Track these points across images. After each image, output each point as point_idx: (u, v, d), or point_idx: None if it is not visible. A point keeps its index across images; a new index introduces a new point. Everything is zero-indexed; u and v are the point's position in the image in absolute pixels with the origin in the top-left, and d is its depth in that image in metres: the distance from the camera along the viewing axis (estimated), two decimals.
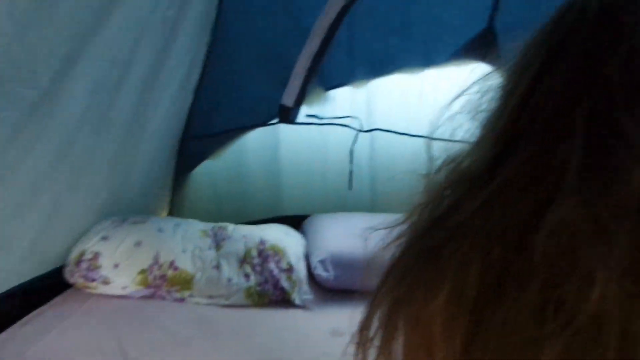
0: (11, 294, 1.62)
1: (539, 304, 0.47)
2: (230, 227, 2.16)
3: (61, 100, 1.36)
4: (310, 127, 2.19)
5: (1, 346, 1.49)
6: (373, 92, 2.16)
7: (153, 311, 1.77)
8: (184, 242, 1.98)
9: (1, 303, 1.58)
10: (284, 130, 2.23)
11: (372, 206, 2.33)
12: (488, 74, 0.68)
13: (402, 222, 0.69)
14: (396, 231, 0.69)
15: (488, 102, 0.65)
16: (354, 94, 2.15)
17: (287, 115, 1.92)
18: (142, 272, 1.83)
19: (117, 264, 1.81)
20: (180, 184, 2.31)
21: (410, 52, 1.93)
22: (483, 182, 0.56)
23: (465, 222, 0.55)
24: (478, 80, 0.68)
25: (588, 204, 0.46)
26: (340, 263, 1.98)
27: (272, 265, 1.96)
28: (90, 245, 1.83)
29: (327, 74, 1.94)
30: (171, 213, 2.34)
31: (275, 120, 2.12)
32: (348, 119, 2.17)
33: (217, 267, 1.94)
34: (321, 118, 2.17)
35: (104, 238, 1.86)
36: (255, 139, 2.26)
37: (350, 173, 2.21)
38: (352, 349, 0.63)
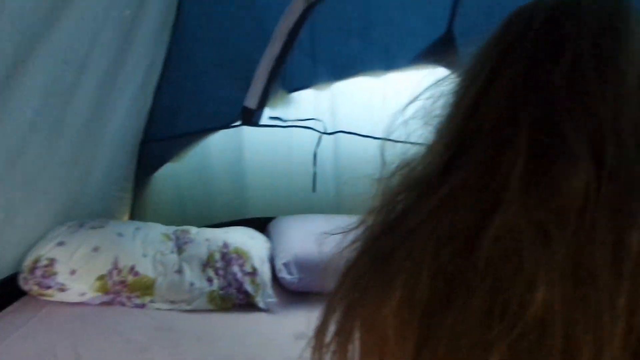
0: None
1: (486, 308, 0.47)
2: (194, 230, 2.13)
3: (10, 103, 1.31)
4: (274, 129, 2.18)
5: None
6: (336, 94, 2.16)
7: (112, 318, 1.73)
8: (144, 247, 1.94)
9: None
10: (247, 132, 2.21)
11: (337, 208, 2.33)
12: (440, 79, 0.68)
13: (357, 227, 0.69)
14: (352, 235, 0.69)
15: (441, 107, 0.66)
16: (318, 96, 2.15)
17: (250, 118, 1.91)
18: (101, 278, 1.79)
19: (73, 270, 1.76)
20: (142, 187, 2.27)
21: (371, 55, 1.94)
22: (434, 188, 0.57)
23: (416, 227, 0.55)
24: (431, 86, 0.69)
25: (530, 210, 0.47)
26: (305, 265, 1.97)
27: (235, 268, 1.94)
28: (46, 251, 1.77)
29: (289, 77, 1.93)
30: (133, 217, 2.29)
31: (238, 123, 2.10)
32: (312, 121, 2.17)
33: (179, 271, 1.91)
34: (285, 120, 2.16)
35: (60, 244, 1.81)
36: (219, 141, 2.23)
37: (314, 175, 2.21)
38: (309, 352, 0.63)
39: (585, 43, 0.50)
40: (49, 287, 1.74)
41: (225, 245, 2.01)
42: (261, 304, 1.89)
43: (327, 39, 1.90)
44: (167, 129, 2.08)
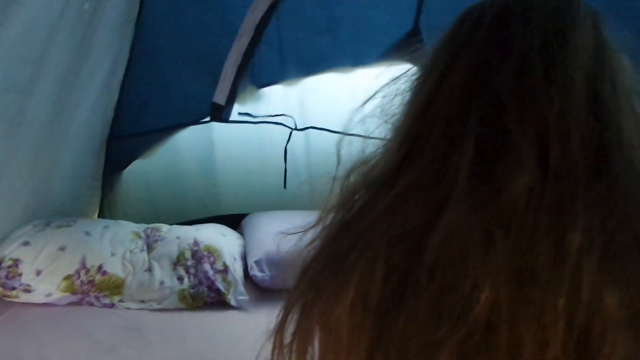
0: None
1: (435, 308, 0.47)
2: (165, 227, 2.11)
3: None
4: (244, 125, 2.16)
5: None
6: (306, 90, 2.15)
7: (79, 318, 1.70)
8: (113, 245, 1.91)
9: None
10: (217, 128, 2.19)
11: (311, 203, 2.32)
12: (396, 77, 0.67)
13: (315, 225, 0.68)
14: (310, 233, 0.68)
15: (397, 105, 0.65)
16: (287, 92, 2.14)
17: (220, 114, 1.89)
18: (68, 278, 1.76)
19: (39, 271, 1.73)
20: (111, 185, 2.23)
21: (339, 51, 1.94)
22: (388, 186, 0.56)
23: (370, 226, 0.54)
24: (387, 83, 0.68)
25: (476, 210, 0.47)
26: (276, 263, 1.96)
27: (206, 266, 1.92)
28: (9, 251, 1.73)
29: (258, 73, 1.92)
30: (103, 215, 2.26)
31: (207, 119, 2.07)
32: (282, 117, 2.16)
33: (149, 270, 1.89)
34: (255, 116, 2.14)
35: (25, 243, 1.77)
36: (189, 138, 2.21)
37: (285, 171, 2.20)
38: (266, 351, 0.62)
39: (533, 42, 0.50)
40: (13, 288, 1.70)
41: (196, 242, 1.99)
42: (233, 302, 1.87)
43: (294, 34, 1.89)
44: (135, 126, 2.04)
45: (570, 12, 0.52)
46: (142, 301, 1.83)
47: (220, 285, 1.88)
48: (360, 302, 0.51)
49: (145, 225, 2.10)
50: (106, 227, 2.00)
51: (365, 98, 0.69)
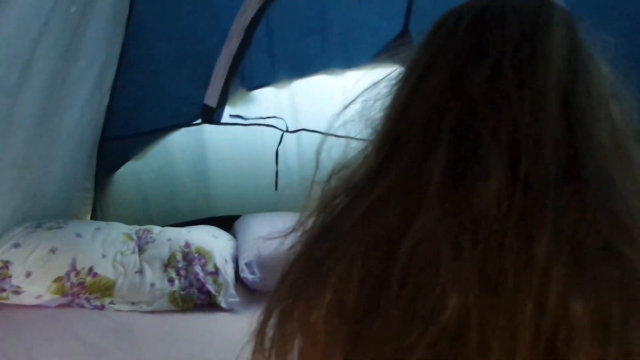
0: None
1: (408, 313, 0.48)
2: (157, 229, 2.10)
3: None
4: (236, 127, 2.17)
5: None
6: (297, 92, 2.15)
7: (69, 320, 1.70)
8: (105, 247, 1.91)
9: None
10: (209, 130, 2.20)
11: (304, 205, 2.32)
12: (376, 82, 0.68)
13: (296, 229, 0.68)
14: (291, 237, 0.68)
15: (378, 109, 0.65)
16: (278, 94, 2.14)
17: (211, 116, 1.89)
18: (58, 279, 1.76)
19: (29, 273, 1.73)
20: (104, 186, 2.23)
21: (330, 53, 1.94)
22: (367, 191, 0.56)
23: (348, 232, 0.55)
24: (368, 88, 0.68)
25: (447, 217, 0.47)
26: (267, 265, 1.96)
27: (197, 268, 1.92)
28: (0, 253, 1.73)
29: (248, 75, 1.92)
30: (96, 217, 2.25)
31: (198, 121, 2.08)
32: (273, 119, 2.16)
33: (140, 272, 1.88)
34: (246, 119, 2.14)
35: (15, 245, 1.77)
36: (181, 139, 2.21)
37: (276, 173, 2.20)
38: (247, 352, 0.62)
39: (506, 48, 0.50)
40: (3, 290, 1.70)
41: (188, 244, 1.99)
42: (223, 304, 1.87)
43: (284, 37, 1.89)
44: (127, 127, 2.05)
45: (545, 17, 0.52)
46: (133, 303, 1.83)
47: (210, 287, 1.88)
48: (336, 307, 0.51)
49: (137, 227, 2.10)
50: (98, 228, 2.00)
51: (346, 102, 0.69)
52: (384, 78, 0.65)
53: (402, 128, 0.57)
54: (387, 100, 0.62)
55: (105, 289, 1.81)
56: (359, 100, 0.68)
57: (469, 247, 0.44)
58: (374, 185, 0.55)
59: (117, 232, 2.01)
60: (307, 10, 1.82)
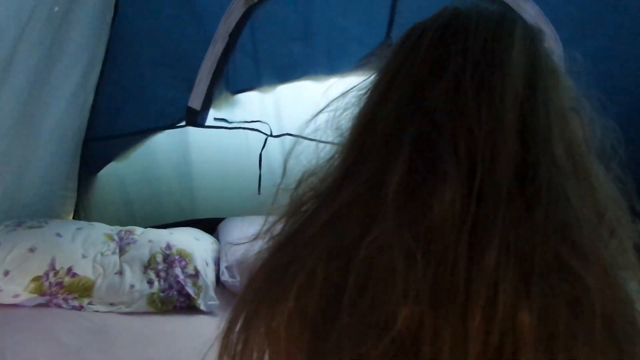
0: None
1: (364, 322, 0.49)
2: (139, 230, 2.10)
3: None
4: (220, 130, 2.17)
5: None
6: (282, 97, 2.16)
7: (46, 321, 1.69)
8: (85, 247, 1.90)
9: None
10: (193, 133, 2.19)
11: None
12: (345, 92, 0.69)
13: (263, 235, 0.69)
14: (257, 245, 0.69)
15: (346, 119, 0.66)
16: (263, 98, 2.15)
17: (195, 119, 1.89)
18: (36, 279, 1.75)
19: (7, 271, 1.72)
20: (87, 187, 2.22)
21: (314, 59, 1.95)
22: (331, 200, 0.57)
23: (311, 240, 0.55)
24: (337, 97, 0.69)
25: (400, 228, 0.48)
26: (247, 268, 1.96)
27: (177, 270, 1.91)
28: None
29: (233, 78, 1.92)
30: (78, 217, 2.24)
31: (182, 123, 2.08)
32: (257, 123, 2.17)
33: (120, 272, 1.88)
34: (230, 122, 2.15)
35: None
36: (164, 141, 2.21)
37: (260, 177, 2.20)
38: (212, 356, 0.63)
39: (467, 63, 0.52)
40: None
41: (169, 246, 1.99)
42: (203, 307, 1.87)
43: (269, 42, 1.90)
44: (110, 128, 2.04)
45: (506, 33, 0.53)
46: (112, 304, 1.82)
47: (190, 289, 1.88)
48: (298, 314, 0.52)
49: (119, 228, 2.09)
50: (79, 228, 1.99)
51: (315, 111, 0.70)
52: (353, 88, 0.66)
53: (367, 138, 0.57)
54: (355, 110, 0.63)
55: (84, 290, 1.80)
56: (328, 109, 0.69)
57: (422, 258, 0.45)
58: (338, 194, 0.56)
59: (99, 233, 2.00)
60: (291, 17, 1.83)
